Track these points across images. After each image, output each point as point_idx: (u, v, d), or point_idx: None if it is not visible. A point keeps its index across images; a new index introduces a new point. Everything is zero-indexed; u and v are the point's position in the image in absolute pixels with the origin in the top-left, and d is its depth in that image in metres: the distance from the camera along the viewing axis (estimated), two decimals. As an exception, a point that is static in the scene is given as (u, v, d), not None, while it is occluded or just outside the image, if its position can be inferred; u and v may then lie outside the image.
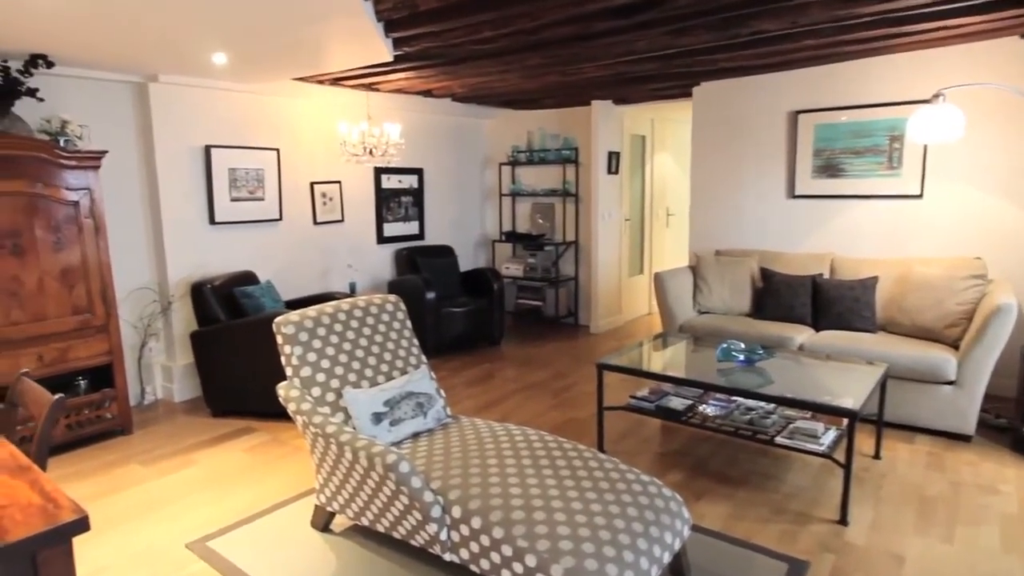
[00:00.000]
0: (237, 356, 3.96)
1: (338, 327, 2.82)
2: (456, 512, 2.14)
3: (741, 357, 3.31)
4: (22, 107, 3.65)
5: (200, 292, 4.17)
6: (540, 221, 6.86)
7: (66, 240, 3.56)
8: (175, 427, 4.01)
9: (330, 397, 2.64)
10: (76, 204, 3.58)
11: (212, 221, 4.62)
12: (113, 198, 4.22)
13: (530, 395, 4.53)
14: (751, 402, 3.38)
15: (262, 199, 4.92)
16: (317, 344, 2.70)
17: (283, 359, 2.68)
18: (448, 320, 5.54)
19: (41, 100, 3.62)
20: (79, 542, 2.67)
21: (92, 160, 3.61)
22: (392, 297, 3.18)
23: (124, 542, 2.69)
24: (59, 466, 3.45)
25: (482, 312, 5.73)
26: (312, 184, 5.32)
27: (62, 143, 3.57)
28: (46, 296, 3.50)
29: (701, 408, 3.38)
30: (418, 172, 6.29)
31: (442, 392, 3.01)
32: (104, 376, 3.84)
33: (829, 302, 4.31)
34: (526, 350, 5.76)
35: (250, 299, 4.26)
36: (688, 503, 2.95)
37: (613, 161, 6.32)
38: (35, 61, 3.45)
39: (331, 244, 5.53)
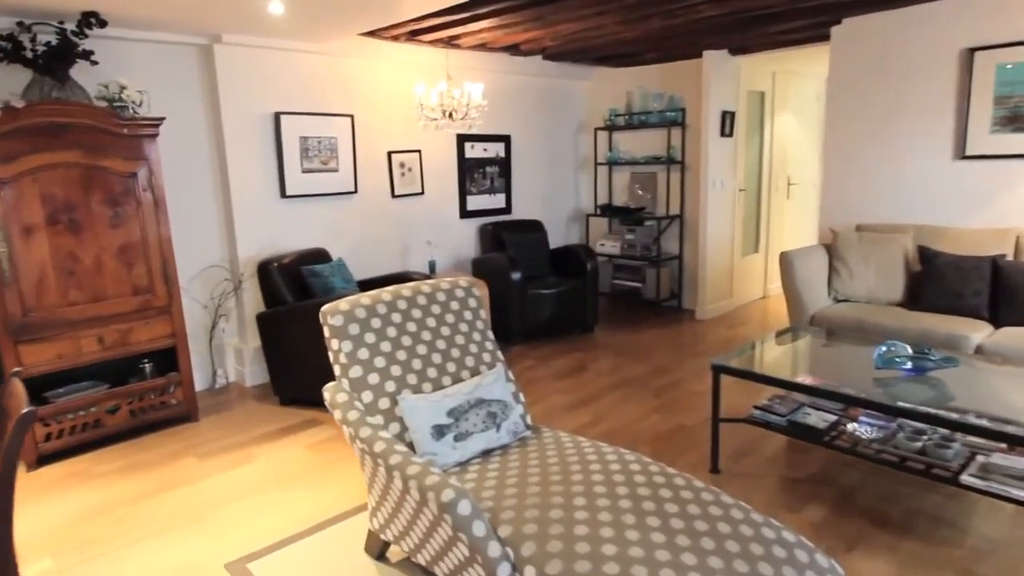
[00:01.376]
0: (302, 341, 3.63)
1: (396, 317, 2.34)
2: (530, 575, 1.61)
3: (908, 365, 2.54)
4: (82, 74, 3.43)
5: (266, 271, 3.87)
6: (640, 192, 6.14)
7: (124, 215, 3.32)
8: (241, 415, 3.75)
9: (384, 403, 2.18)
10: (134, 176, 3.33)
11: (283, 194, 4.31)
12: (179, 171, 3.98)
13: (628, 393, 3.93)
14: (919, 423, 2.61)
15: (336, 170, 4.56)
16: (370, 338, 2.24)
17: (330, 356, 2.24)
18: (536, 303, 5.00)
19: (95, 63, 3.37)
20: (114, 550, 2.40)
21: (150, 128, 3.33)
22: (464, 281, 2.66)
23: (162, 556, 2.38)
24: (121, 455, 3.26)
25: (574, 294, 5.15)
26: (389, 153, 4.91)
27: (120, 110, 3.31)
28: (104, 275, 3.28)
29: (849, 428, 2.65)
30: (504, 140, 5.75)
31: (522, 396, 2.48)
32: (171, 359, 3.63)
33: (1014, 290, 3.38)
34: (623, 338, 5.13)
35: (318, 278, 3.92)
36: (837, 556, 2.27)
37: (727, 122, 5.48)
38: (88, 20, 3.19)
39: (410, 218, 5.12)
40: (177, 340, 3.56)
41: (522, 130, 5.91)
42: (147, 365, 3.60)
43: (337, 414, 2.12)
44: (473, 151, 5.52)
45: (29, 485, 2.98)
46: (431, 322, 2.42)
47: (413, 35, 4.44)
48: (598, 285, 5.29)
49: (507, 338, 4.96)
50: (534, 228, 5.74)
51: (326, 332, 2.23)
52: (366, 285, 4.41)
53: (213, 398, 4.05)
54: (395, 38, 4.52)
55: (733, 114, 5.55)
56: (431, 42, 4.71)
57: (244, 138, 4.12)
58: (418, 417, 2.14)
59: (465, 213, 5.53)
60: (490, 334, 2.59)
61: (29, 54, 3.15)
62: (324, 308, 2.24)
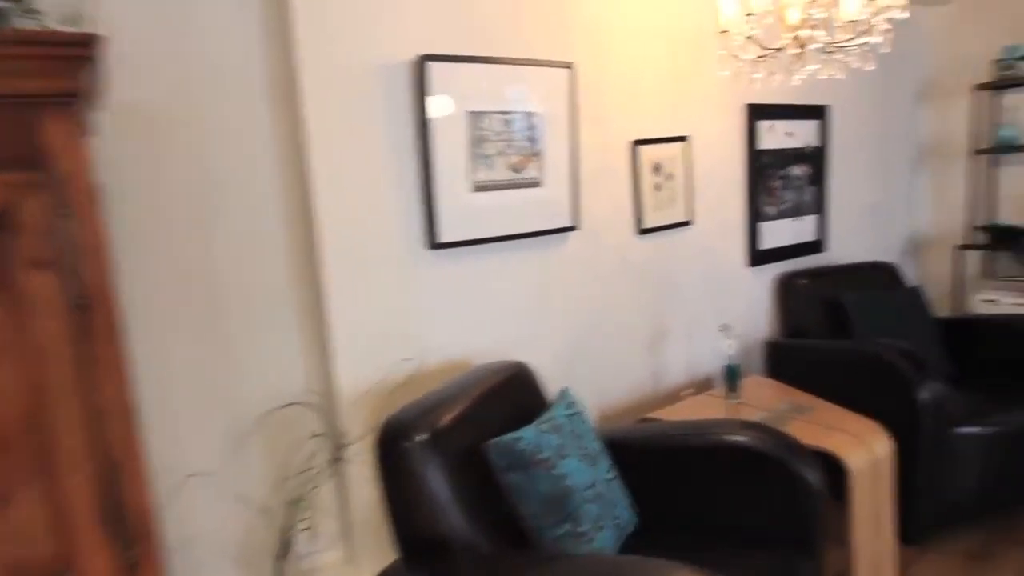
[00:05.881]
0: None
1: None
2: None
3: None
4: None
5: (398, 457, 1.45)
6: (1080, 202, 3.19)
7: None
8: None
9: None
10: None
11: (433, 243, 1.94)
12: (163, 206, 1.71)
13: None
14: None
15: (537, 183, 2.13)
16: None
17: None
18: (957, 454, 2.25)
19: None
20: None
21: (58, 55, 1.03)
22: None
23: None
24: None
25: (1036, 432, 2.34)
26: (635, 145, 2.41)
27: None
28: None
29: None
30: (819, 114, 3.08)
31: None
32: None
33: None
34: None
35: (531, 476, 1.46)
36: None
37: None
38: None
39: (667, 272, 2.59)
40: None
41: (841, 99, 3.20)
42: None
43: None
44: (773, 136, 2.89)
45: None
46: None
47: None
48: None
49: (904, 531, 2.24)
50: (887, 279, 2.99)
51: None
52: (628, 450, 1.88)
53: None
54: None
55: None
56: None
57: (346, 116, 1.80)
58: None
59: (756, 256, 2.91)
60: None
61: None
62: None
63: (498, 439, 1.49)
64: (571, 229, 2.24)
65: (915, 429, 2.19)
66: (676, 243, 2.60)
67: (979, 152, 3.40)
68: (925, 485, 2.22)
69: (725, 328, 2.30)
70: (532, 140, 2.09)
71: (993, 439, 2.26)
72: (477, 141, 1.97)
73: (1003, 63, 3.26)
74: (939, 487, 2.25)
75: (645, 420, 2.22)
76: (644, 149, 2.43)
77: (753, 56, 1.98)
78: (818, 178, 3.11)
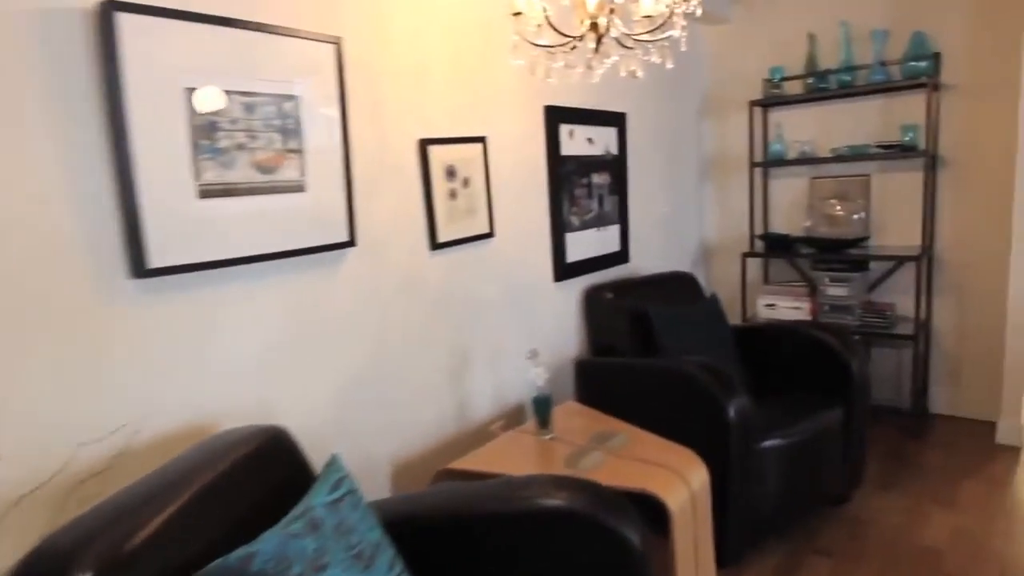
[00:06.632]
0: None
1: None
2: None
3: None
4: None
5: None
6: (838, 211, 3.48)
7: None
8: None
9: None
10: None
11: (141, 270, 1.38)
12: None
13: None
14: None
15: (297, 187, 1.66)
16: None
17: None
18: (764, 469, 2.21)
19: None
20: None
21: None
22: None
23: None
24: None
25: (825, 437, 2.39)
26: (423, 145, 2.05)
27: None
28: None
29: None
30: (619, 121, 2.99)
31: None
32: None
33: None
34: (904, 512, 2.40)
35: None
36: None
37: (1049, 71, 2.91)
38: None
39: (468, 293, 2.26)
40: None
41: (635, 107, 3.16)
42: None
43: None
44: (574, 142, 2.71)
45: None
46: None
47: None
48: (866, 415, 2.54)
49: (718, 554, 2.13)
50: (688, 290, 2.97)
51: None
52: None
53: None
54: None
55: (1053, 58, 2.99)
56: None
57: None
58: None
59: (564, 270, 2.70)
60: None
61: None
62: None
63: (219, 562, 1.01)
64: (348, 245, 1.81)
65: (724, 447, 2.10)
66: (477, 258, 2.28)
67: (755, 165, 3.59)
68: (735, 504, 2.14)
69: (533, 355, 2.02)
70: (287, 132, 1.62)
71: (792, 449, 2.25)
72: (204, 130, 1.45)
73: (771, 82, 3.47)
74: (748, 504, 2.18)
75: (447, 473, 1.85)
76: (435, 150, 2.07)
77: (549, 43, 1.72)
78: (619, 187, 3.02)
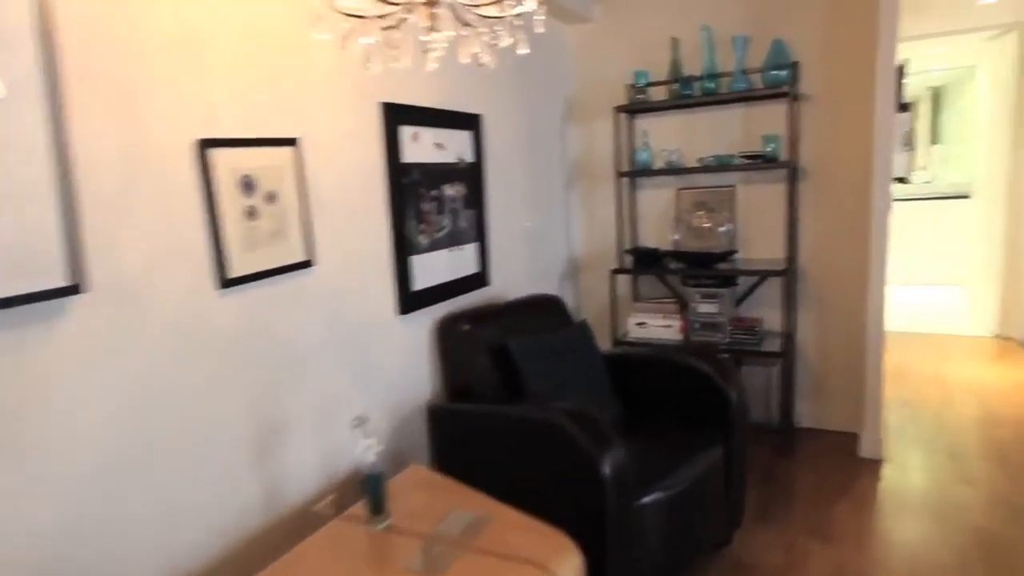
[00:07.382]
0: None
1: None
2: None
3: None
4: None
5: None
6: (705, 224, 3.32)
7: None
8: None
9: None
10: None
11: None
12: None
13: None
14: None
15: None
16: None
17: None
18: (644, 526, 1.91)
19: None
20: None
21: None
22: None
23: None
24: None
25: (708, 481, 2.14)
26: (203, 147, 1.51)
27: None
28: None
29: None
30: (473, 123, 2.59)
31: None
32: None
33: None
34: (788, 548, 2.24)
35: None
36: None
37: (899, 86, 2.89)
38: None
39: (279, 340, 1.74)
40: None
41: (493, 109, 2.79)
42: None
43: None
44: (419, 147, 2.27)
45: None
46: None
47: None
48: (745, 450, 2.32)
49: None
50: (554, 316, 2.63)
51: None
52: None
53: None
54: None
55: (901, 68, 2.99)
56: None
57: None
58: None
59: (409, 300, 2.25)
60: None
61: None
62: None
63: None
64: (70, 292, 1.24)
65: (599, 510, 1.77)
66: (291, 294, 1.78)
67: (622, 175, 3.36)
68: (615, 570, 1.82)
69: (361, 423, 1.55)
70: (-57, 125, 1.05)
71: (673, 501, 1.97)
72: None
73: (635, 88, 3.26)
74: (629, 567, 1.87)
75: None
76: (222, 154, 1.55)
77: (365, 13, 1.28)
78: (476, 199, 2.63)
